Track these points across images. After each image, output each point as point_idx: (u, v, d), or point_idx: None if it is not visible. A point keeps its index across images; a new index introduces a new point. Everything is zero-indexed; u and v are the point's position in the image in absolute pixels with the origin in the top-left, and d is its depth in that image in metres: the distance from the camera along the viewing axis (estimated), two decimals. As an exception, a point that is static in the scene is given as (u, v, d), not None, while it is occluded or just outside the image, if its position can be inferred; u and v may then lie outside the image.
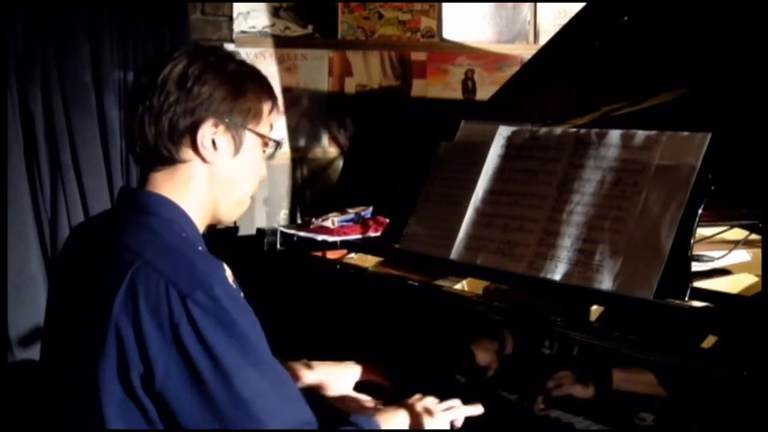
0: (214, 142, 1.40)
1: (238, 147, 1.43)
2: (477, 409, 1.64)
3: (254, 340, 1.30)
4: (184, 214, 1.41)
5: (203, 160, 1.41)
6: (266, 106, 1.48)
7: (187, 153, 1.41)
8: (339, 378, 1.82)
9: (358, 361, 1.85)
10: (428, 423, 1.58)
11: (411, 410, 1.60)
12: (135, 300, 1.25)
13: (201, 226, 1.46)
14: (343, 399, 1.80)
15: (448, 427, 1.60)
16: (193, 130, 1.39)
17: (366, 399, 1.80)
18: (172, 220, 1.39)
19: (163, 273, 1.26)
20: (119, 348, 1.25)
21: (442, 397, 1.67)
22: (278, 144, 1.52)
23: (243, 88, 1.43)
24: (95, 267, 1.34)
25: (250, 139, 1.45)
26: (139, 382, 1.25)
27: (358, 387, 1.84)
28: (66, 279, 1.45)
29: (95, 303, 1.29)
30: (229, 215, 1.49)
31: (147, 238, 1.33)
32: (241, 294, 1.33)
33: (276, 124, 1.54)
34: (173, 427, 1.27)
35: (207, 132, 1.39)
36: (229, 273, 1.32)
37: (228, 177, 1.44)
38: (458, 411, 1.63)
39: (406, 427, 1.56)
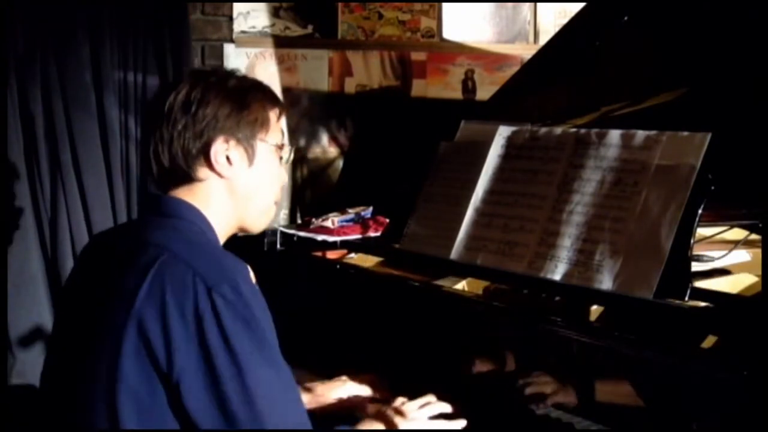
0: (228, 158, 1.44)
1: (252, 158, 1.46)
2: (446, 407, 1.65)
3: (271, 341, 1.33)
4: (205, 220, 1.45)
5: (220, 176, 1.45)
6: (273, 114, 1.51)
7: (203, 172, 1.44)
8: (329, 396, 1.80)
9: (350, 376, 1.84)
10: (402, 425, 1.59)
11: (384, 418, 1.61)
12: (162, 289, 1.28)
13: (222, 237, 1.49)
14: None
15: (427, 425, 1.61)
16: (205, 150, 1.43)
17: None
18: (195, 223, 1.43)
19: (190, 264, 1.29)
20: (141, 337, 1.27)
21: (441, 397, 1.67)
22: (292, 148, 1.55)
23: (246, 101, 1.46)
24: (119, 263, 1.36)
25: (262, 148, 1.48)
26: (158, 372, 1.27)
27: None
28: (86, 278, 1.47)
29: (118, 295, 1.31)
30: (256, 225, 1.54)
31: (172, 235, 1.37)
32: (261, 294, 1.36)
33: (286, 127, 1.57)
34: (182, 419, 1.28)
35: (219, 149, 1.43)
36: (252, 275, 1.35)
37: (247, 188, 1.48)
38: (433, 408, 1.64)
39: None
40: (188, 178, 1.44)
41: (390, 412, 1.61)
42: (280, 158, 1.53)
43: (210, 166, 1.43)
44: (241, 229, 1.52)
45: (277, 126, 1.52)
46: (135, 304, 1.28)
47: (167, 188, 1.46)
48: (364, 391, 1.81)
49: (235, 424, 1.27)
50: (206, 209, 1.45)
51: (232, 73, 1.51)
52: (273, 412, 1.29)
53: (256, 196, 1.49)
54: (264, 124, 1.48)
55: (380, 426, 1.59)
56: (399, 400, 1.65)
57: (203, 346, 1.26)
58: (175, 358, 1.26)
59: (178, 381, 1.26)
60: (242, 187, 1.47)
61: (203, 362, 1.26)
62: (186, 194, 1.45)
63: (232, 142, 1.44)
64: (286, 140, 1.54)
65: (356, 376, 1.84)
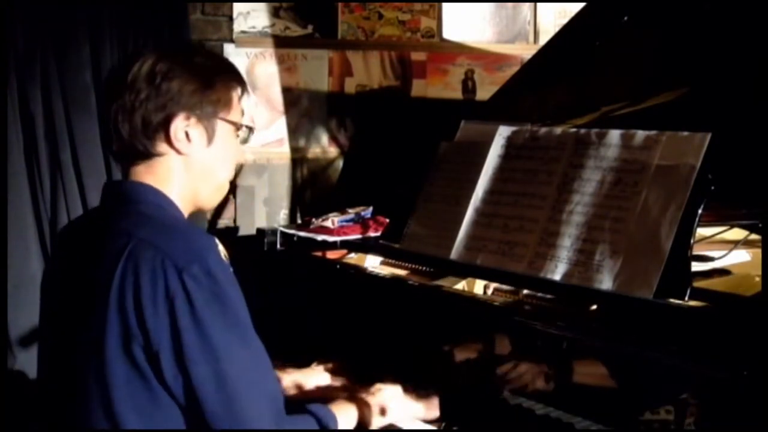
0: (187, 134, 1.45)
1: (211, 136, 1.47)
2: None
3: (242, 317, 1.35)
4: (168, 200, 1.46)
5: (178, 152, 1.45)
6: (235, 94, 1.52)
7: (162, 146, 1.45)
8: (303, 382, 1.84)
9: (320, 363, 1.89)
10: (378, 418, 1.62)
11: (363, 402, 1.63)
12: (135, 274, 1.29)
13: (185, 212, 1.50)
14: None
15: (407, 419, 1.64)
16: (165, 125, 1.43)
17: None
18: (160, 205, 1.44)
19: (159, 247, 1.31)
20: (122, 321, 1.29)
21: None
22: (251, 129, 1.56)
23: (211, 80, 1.47)
24: (90, 255, 1.38)
25: (222, 127, 1.49)
26: (143, 354, 1.29)
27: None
28: (61, 275, 1.48)
29: (94, 286, 1.32)
30: (209, 201, 1.54)
31: (139, 221, 1.38)
32: (231, 269, 1.37)
33: (247, 107, 1.58)
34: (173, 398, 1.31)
35: (179, 125, 1.44)
36: (221, 248, 1.36)
37: (204, 166, 1.48)
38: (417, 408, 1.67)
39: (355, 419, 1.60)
40: (147, 152, 1.44)
41: (368, 396, 1.64)
42: (238, 137, 1.54)
43: (169, 141, 1.44)
44: (196, 206, 1.53)
45: (239, 106, 1.53)
46: (111, 293, 1.29)
47: (126, 164, 1.47)
48: (336, 378, 1.85)
49: (206, 406, 1.29)
50: (166, 187, 1.46)
51: (198, 50, 1.54)
52: (243, 393, 1.31)
53: (212, 173, 1.50)
54: (227, 104, 1.49)
55: (354, 406, 1.61)
56: (376, 386, 1.68)
57: (174, 328, 1.28)
58: (150, 339, 1.28)
59: (159, 362, 1.29)
60: (199, 165, 1.47)
61: (174, 344, 1.28)
62: (145, 171, 1.45)
63: (193, 120, 1.44)
64: (246, 120, 1.55)
65: (327, 363, 1.88)
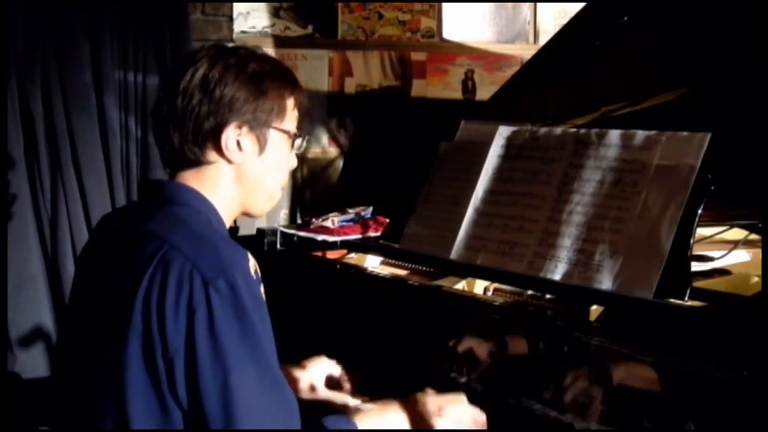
0: (239, 144, 1.42)
1: (263, 146, 1.44)
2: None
3: (263, 339, 1.31)
4: (210, 206, 1.43)
5: (229, 161, 1.43)
6: (290, 102, 1.48)
7: (212, 155, 1.42)
8: (312, 375, 1.79)
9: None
10: (438, 423, 1.53)
11: (410, 407, 1.55)
12: (163, 280, 1.27)
13: (228, 220, 1.48)
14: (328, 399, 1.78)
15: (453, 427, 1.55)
16: (217, 133, 1.40)
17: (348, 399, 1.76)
18: (199, 210, 1.41)
19: (189, 257, 1.28)
20: (146, 326, 1.27)
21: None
22: (304, 137, 1.53)
23: (264, 88, 1.43)
24: (122, 254, 1.36)
25: (275, 136, 1.46)
26: (162, 363, 1.27)
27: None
28: (92, 269, 1.46)
29: (122, 288, 1.31)
30: (260, 209, 1.52)
31: (174, 226, 1.35)
32: (262, 287, 1.35)
33: (302, 113, 1.53)
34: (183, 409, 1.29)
35: (231, 134, 1.41)
36: (252, 263, 1.34)
37: (255, 175, 1.46)
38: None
39: (399, 426, 1.53)
40: (197, 160, 1.41)
41: (424, 406, 1.54)
42: (292, 145, 1.51)
43: (220, 150, 1.41)
44: (245, 213, 1.50)
45: (293, 114, 1.49)
46: (137, 296, 1.28)
47: (176, 169, 1.45)
48: (334, 368, 1.79)
49: (208, 420, 1.26)
50: (212, 193, 1.43)
51: (252, 55, 1.47)
52: (250, 415, 1.27)
53: (263, 183, 1.47)
54: (280, 112, 1.46)
55: (400, 416, 1.54)
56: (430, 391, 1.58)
57: (190, 339, 1.25)
58: (168, 348, 1.26)
59: (173, 365, 1.27)
60: (250, 175, 1.45)
61: (188, 355, 1.26)
62: (193, 177, 1.43)
63: (245, 129, 1.41)
64: (299, 127, 1.51)
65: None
